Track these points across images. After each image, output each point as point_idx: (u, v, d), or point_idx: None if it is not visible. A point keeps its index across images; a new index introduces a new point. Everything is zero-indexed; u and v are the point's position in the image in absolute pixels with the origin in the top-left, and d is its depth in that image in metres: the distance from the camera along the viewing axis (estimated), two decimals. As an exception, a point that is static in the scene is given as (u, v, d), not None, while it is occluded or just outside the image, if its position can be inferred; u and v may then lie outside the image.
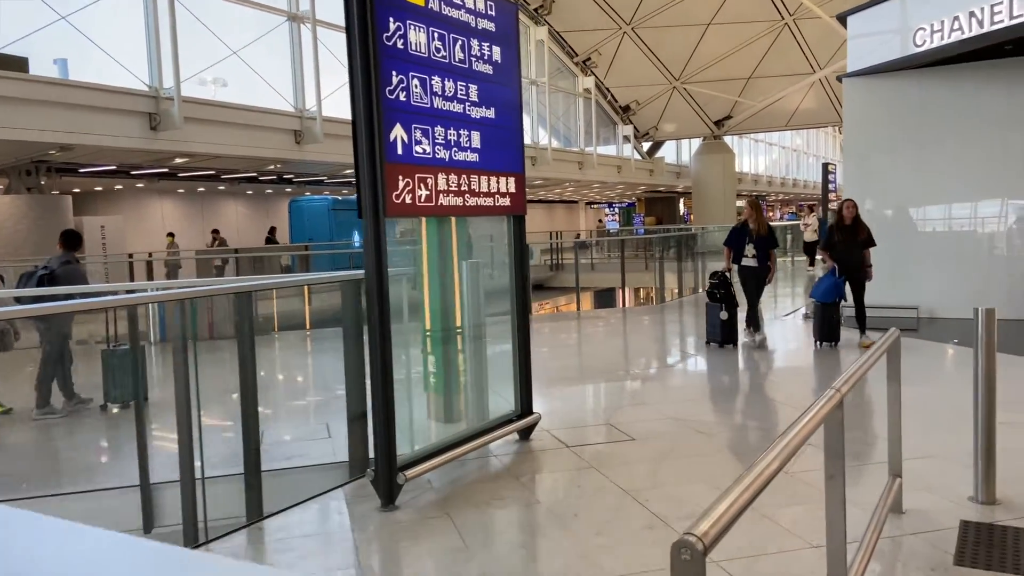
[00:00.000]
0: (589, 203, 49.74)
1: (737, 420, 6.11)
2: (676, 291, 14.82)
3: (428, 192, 4.29)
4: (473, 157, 4.67)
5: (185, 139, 13.04)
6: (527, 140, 23.43)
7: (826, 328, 8.26)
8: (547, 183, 28.18)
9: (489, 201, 4.84)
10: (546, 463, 4.86)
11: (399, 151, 4.08)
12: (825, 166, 18.59)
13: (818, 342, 8.31)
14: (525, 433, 5.33)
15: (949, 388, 6.65)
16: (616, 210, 51.33)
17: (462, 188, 4.57)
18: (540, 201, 42.07)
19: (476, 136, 4.70)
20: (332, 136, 15.12)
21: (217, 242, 20.53)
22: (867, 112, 10.82)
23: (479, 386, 5.25)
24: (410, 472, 4.10)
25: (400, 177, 4.08)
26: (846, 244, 8.16)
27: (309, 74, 15.41)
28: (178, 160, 15.48)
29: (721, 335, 8.47)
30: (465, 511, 4.00)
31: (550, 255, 26.32)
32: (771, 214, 55.76)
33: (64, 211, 14.98)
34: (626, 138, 29.64)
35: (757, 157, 44.26)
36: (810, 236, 18.09)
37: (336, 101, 15.27)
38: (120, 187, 22.02)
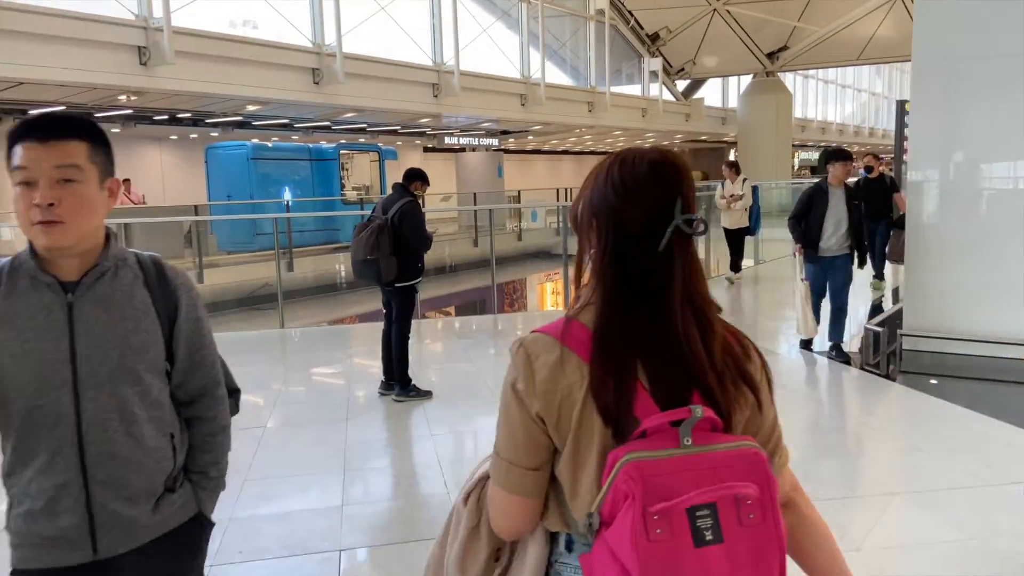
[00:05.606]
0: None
1: None
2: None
3: None
4: None
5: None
6: (515, 73, 18.54)
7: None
8: (548, 129, 23.21)
9: None
10: None
11: None
12: (902, 104, 13.34)
13: None
14: None
15: None
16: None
17: None
18: (565, 152, 36.99)
19: None
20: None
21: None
22: (955, 26, 5.93)
23: None
24: None
25: None
26: None
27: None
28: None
29: None
30: None
31: (556, 217, 22.23)
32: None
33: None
34: (654, 74, 24.17)
35: (827, 103, 37.87)
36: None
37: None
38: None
